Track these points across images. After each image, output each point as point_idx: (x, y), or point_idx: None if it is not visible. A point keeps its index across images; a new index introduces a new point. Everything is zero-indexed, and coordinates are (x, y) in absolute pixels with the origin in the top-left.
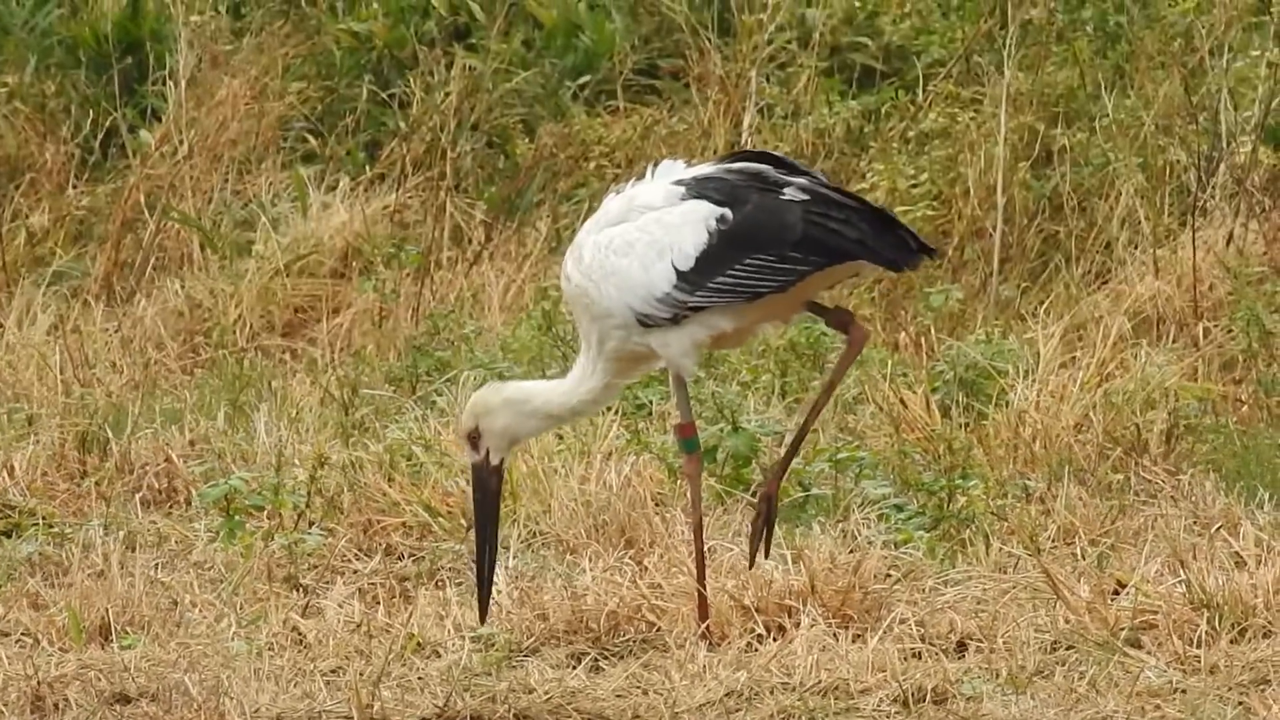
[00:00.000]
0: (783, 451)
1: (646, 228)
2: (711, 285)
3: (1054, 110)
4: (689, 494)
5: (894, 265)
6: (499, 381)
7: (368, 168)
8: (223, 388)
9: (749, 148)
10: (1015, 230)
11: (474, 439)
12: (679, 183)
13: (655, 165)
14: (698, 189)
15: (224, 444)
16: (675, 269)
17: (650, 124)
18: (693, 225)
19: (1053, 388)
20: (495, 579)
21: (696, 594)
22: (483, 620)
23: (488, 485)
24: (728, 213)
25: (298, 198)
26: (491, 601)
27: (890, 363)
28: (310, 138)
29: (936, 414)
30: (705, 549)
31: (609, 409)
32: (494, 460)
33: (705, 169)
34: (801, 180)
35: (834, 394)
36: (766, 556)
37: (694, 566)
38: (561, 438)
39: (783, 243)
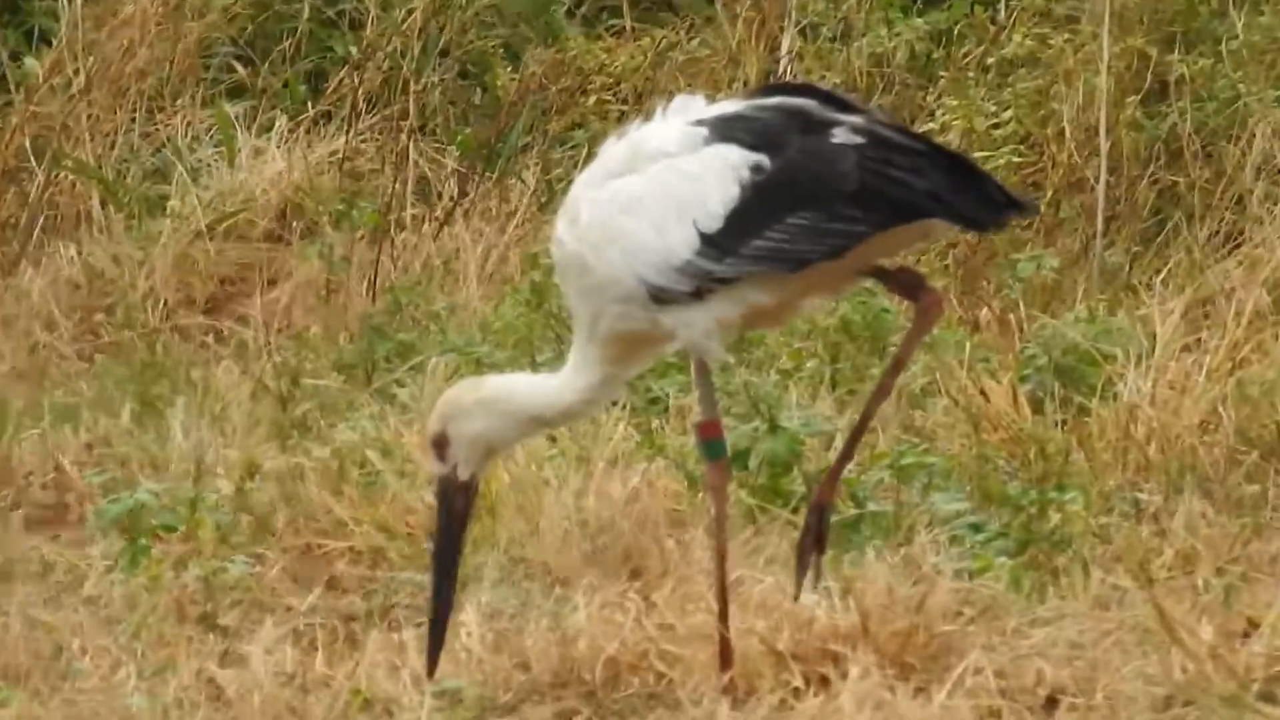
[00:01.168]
0: (835, 455)
1: (660, 180)
2: (745, 252)
3: (1169, 31)
4: (712, 510)
5: (976, 225)
6: (476, 377)
7: (310, 104)
8: (129, 378)
9: (786, 79)
10: (1123, 182)
11: (440, 446)
12: (698, 123)
13: (668, 102)
14: (723, 130)
15: (129, 448)
16: (698, 231)
17: (664, 49)
18: (718, 176)
19: (1172, 377)
20: (463, 618)
21: (718, 636)
22: (430, 673)
23: (453, 505)
24: (763, 160)
25: (223, 142)
26: (458, 648)
27: (968, 346)
28: (238, 67)
29: (1026, 409)
30: (730, 580)
31: (613, 403)
32: (462, 474)
33: (731, 106)
34: (854, 119)
35: (898, 379)
36: (816, 586)
37: (716, 602)
38: (554, 440)
39: (834, 197)
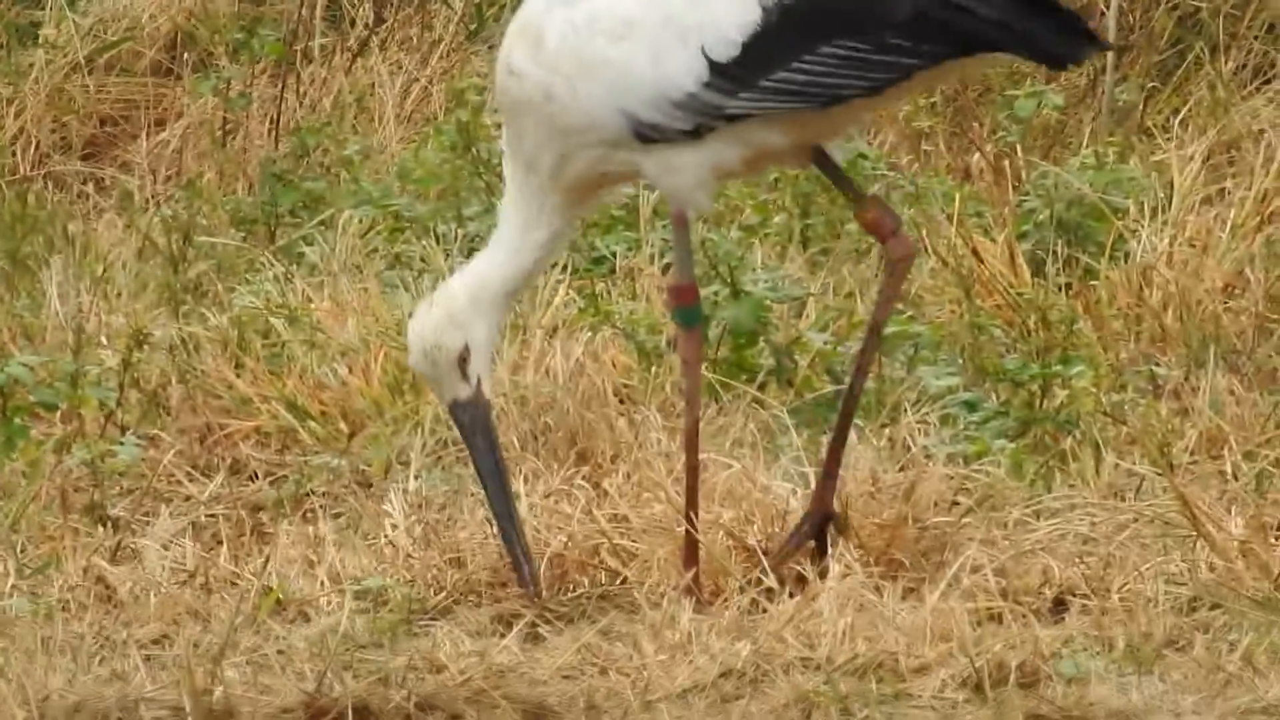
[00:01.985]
0: (826, 443)
1: (658, 0)
2: (766, 84)
3: None
4: (684, 386)
5: (1055, 59)
6: (439, 289)
7: None
8: None
9: None
10: (1138, 6)
11: (464, 363)
12: None
13: None
14: None
15: None
16: (707, 59)
17: None
18: None
19: (1192, 233)
20: (386, 508)
21: (685, 530)
22: (537, 593)
23: (488, 423)
24: None
25: None
26: (381, 541)
27: (958, 198)
28: None
29: (1025, 271)
30: (699, 464)
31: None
32: (486, 389)
33: None
34: None
35: (879, 344)
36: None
37: (682, 492)
38: None
39: (882, 24)
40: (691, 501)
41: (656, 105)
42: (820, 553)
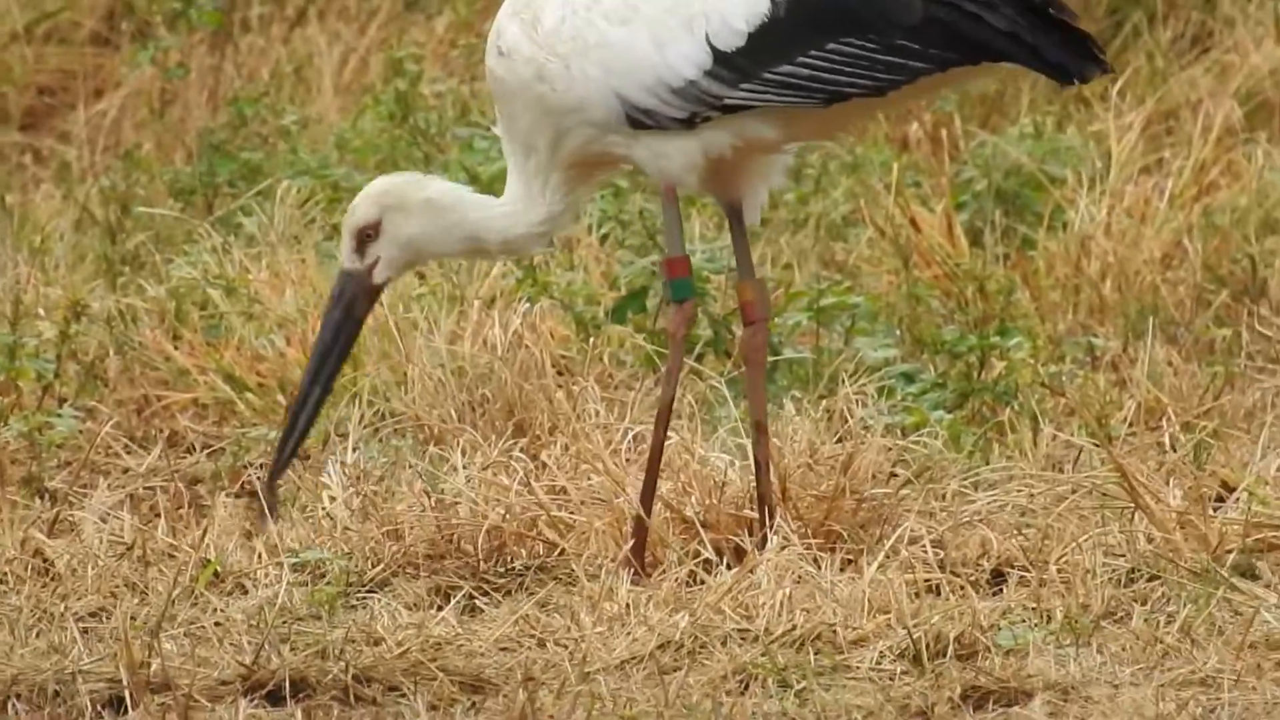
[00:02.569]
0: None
1: None
2: (769, 76)
3: None
4: (670, 358)
5: (1063, 74)
6: (416, 174)
7: None
8: None
9: None
10: None
11: (365, 238)
12: None
13: None
14: None
15: None
16: (711, 48)
17: None
18: None
19: (1130, 203)
20: (324, 479)
21: (634, 503)
22: (271, 514)
23: (354, 307)
24: None
25: None
26: (320, 514)
27: (895, 168)
28: None
29: (963, 242)
30: (664, 440)
31: None
32: (378, 276)
33: None
34: None
35: (767, 439)
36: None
37: (620, 463)
38: (423, 277)
39: (893, 25)
40: (652, 476)
41: (654, 91)
42: (760, 523)
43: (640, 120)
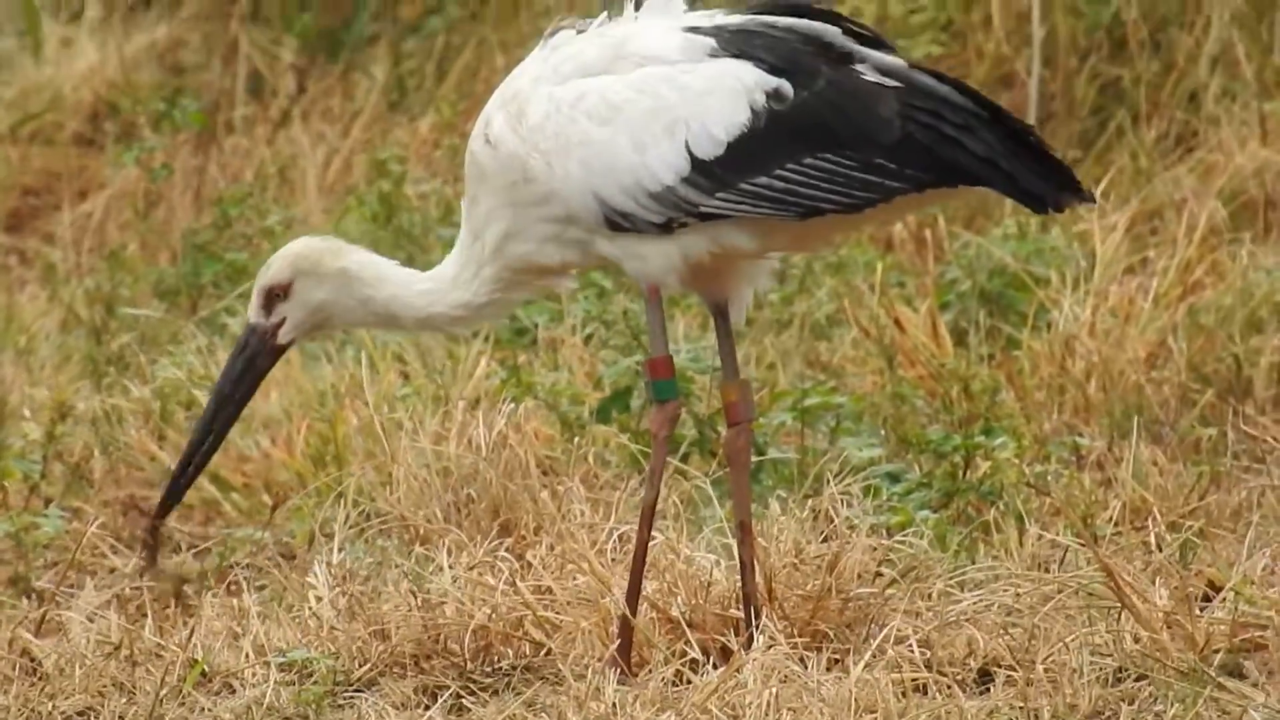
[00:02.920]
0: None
1: (649, 87)
2: (746, 187)
3: None
4: (652, 459)
5: (1037, 203)
6: (337, 240)
7: None
8: None
9: None
10: (1059, 76)
11: (273, 297)
12: (696, 30)
13: (636, 4)
14: (737, 44)
15: None
16: (690, 155)
17: None
18: (727, 96)
19: (1114, 303)
20: (310, 580)
21: (624, 604)
22: (154, 557)
23: (255, 363)
24: (785, 85)
25: (27, 32)
26: (306, 614)
27: (880, 267)
28: None
29: (948, 341)
30: (648, 540)
31: (474, 334)
32: (282, 337)
33: (729, 18)
34: (882, 56)
35: (751, 538)
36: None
37: (605, 564)
38: (408, 378)
39: (871, 143)
40: (637, 575)
41: (632, 194)
42: (746, 623)
43: (618, 223)
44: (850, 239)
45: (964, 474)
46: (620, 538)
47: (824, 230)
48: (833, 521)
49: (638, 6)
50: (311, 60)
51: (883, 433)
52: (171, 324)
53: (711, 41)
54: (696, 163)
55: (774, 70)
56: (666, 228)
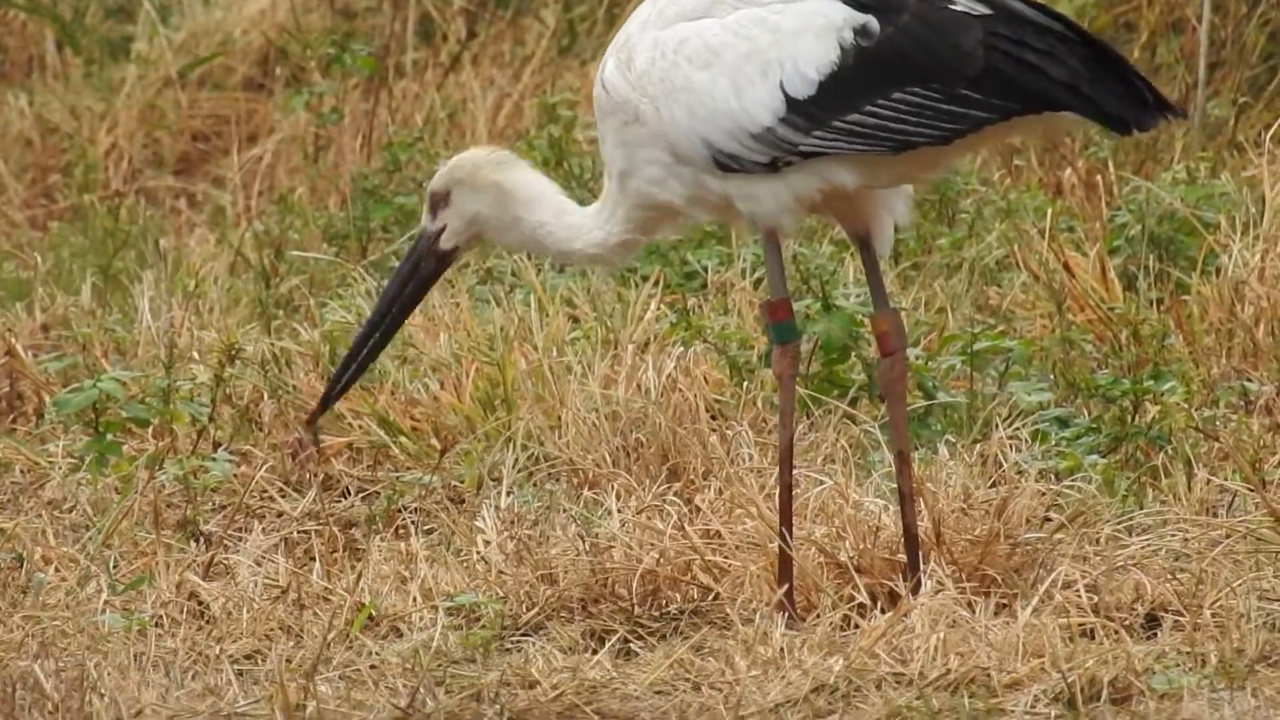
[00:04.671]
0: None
1: (744, 30)
2: (839, 124)
3: None
4: (780, 401)
5: (1120, 125)
6: (508, 154)
7: None
8: (89, 249)
9: None
10: (1229, 22)
11: (437, 203)
12: None
13: None
14: None
15: (91, 330)
16: (785, 95)
17: None
18: (818, 35)
19: None
20: (479, 524)
21: (778, 547)
22: (311, 422)
23: (421, 264)
24: (872, 22)
25: None
26: (474, 558)
27: (1050, 213)
28: None
29: (1117, 286)
30: (793, 481)
31: (642, 278)
32: (444, 244)
33: None
34: None
35: (910, 464)
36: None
37: (774, 508)
38: (577, 321)
39: (955, 75)
40: (785, 518)
41: (735, 136)
42: (908, 557)
43: (726, 164)
44: (947, 174)
45: (1132, 419)
46: (793, 482)
47: (923, 162)
48: (1001, 466)
49: None
50: (482, 4)
51: (1051, 377)
52: (340, 268)
53: None
54: (792, 102)
55: (861, 6)
56: (773, 167)
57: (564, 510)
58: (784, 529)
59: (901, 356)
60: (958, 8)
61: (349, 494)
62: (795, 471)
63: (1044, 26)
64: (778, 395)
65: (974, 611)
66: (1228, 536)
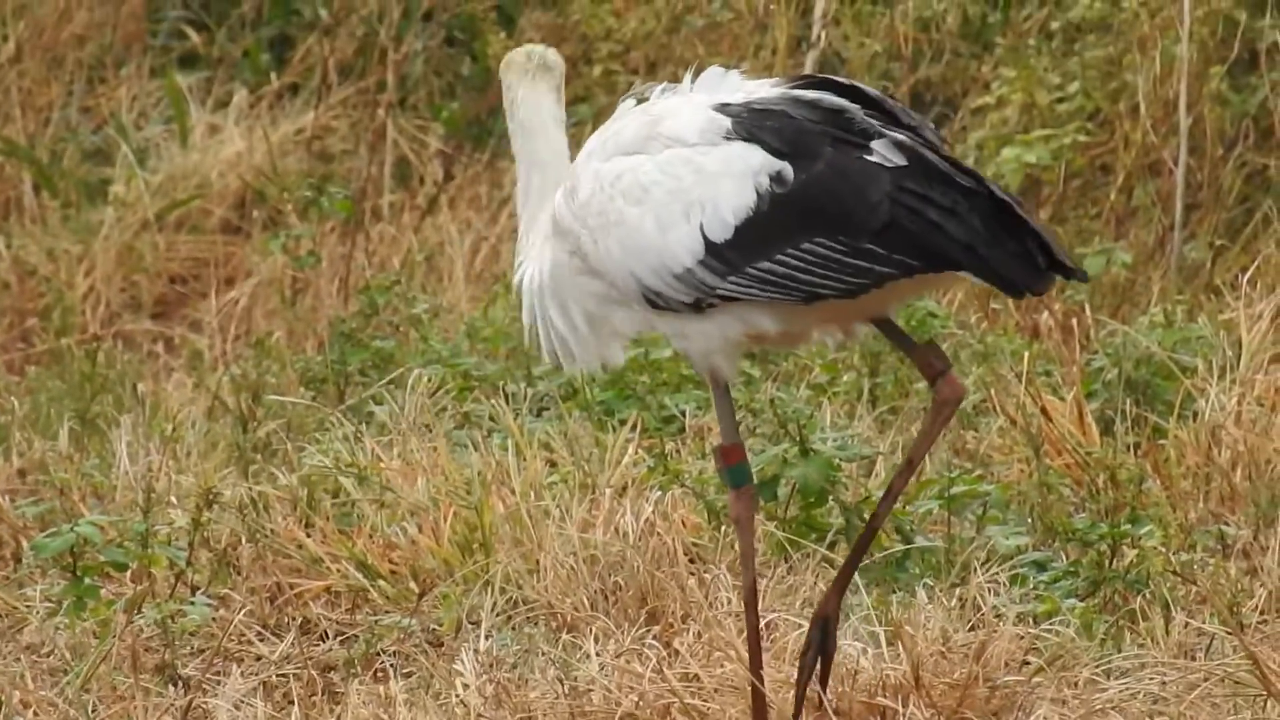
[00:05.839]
0: (846, 553)
1: (671, 169)
2: (753, 271)
3: None
4: (740, 545)
5: (1011, 287)
6: (555, 59)
7: (274, 75)
8: (66, 393)
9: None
10: (1205, 164)
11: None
12: (724, 109)
13: (696, 72)
14: (749, 125)
15: (68, 474)
16: (704, 238)
17: (681, 11)
18: (737, 179)
19: (1261, 392)
20: (457, 667)
21: (750, 689)
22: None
23: None
24: (787, 169)
25: (174, 118)
26: (453, 701)
27: (1027, 356)
28: (190, 32)
29: (1094, 430)
30: (761, 624)
31: (610, 413)
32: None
33: (766, 90)
34: (900, 135)
35: (916, 473)
36: (824, 686)
37: (746, 650)
38: (555, 465)
39: (858, 228)
40: (755, 661)
41: (659, 274)
42: (822, 657)
43: (654, 301)
44: (858, 329)
45: (1110, 562)
46: (768, 625)
47: (835, 314)
48: (980, 610)
49: (694, 78)
50: (458, 147)
51: (1029, 521)
52: (318, 412)
53: (728, 123)
54: (710, 245)
55: (778, 152)
56: (697, 307)
57: (543, 653)
58: (756, 672)
59: (952, 375)
60: (872, 158)
61: (327, 637)
62: (773, 615)
63: (952, 181)
64: (737, 540)
65: None
66: (1206, 680)
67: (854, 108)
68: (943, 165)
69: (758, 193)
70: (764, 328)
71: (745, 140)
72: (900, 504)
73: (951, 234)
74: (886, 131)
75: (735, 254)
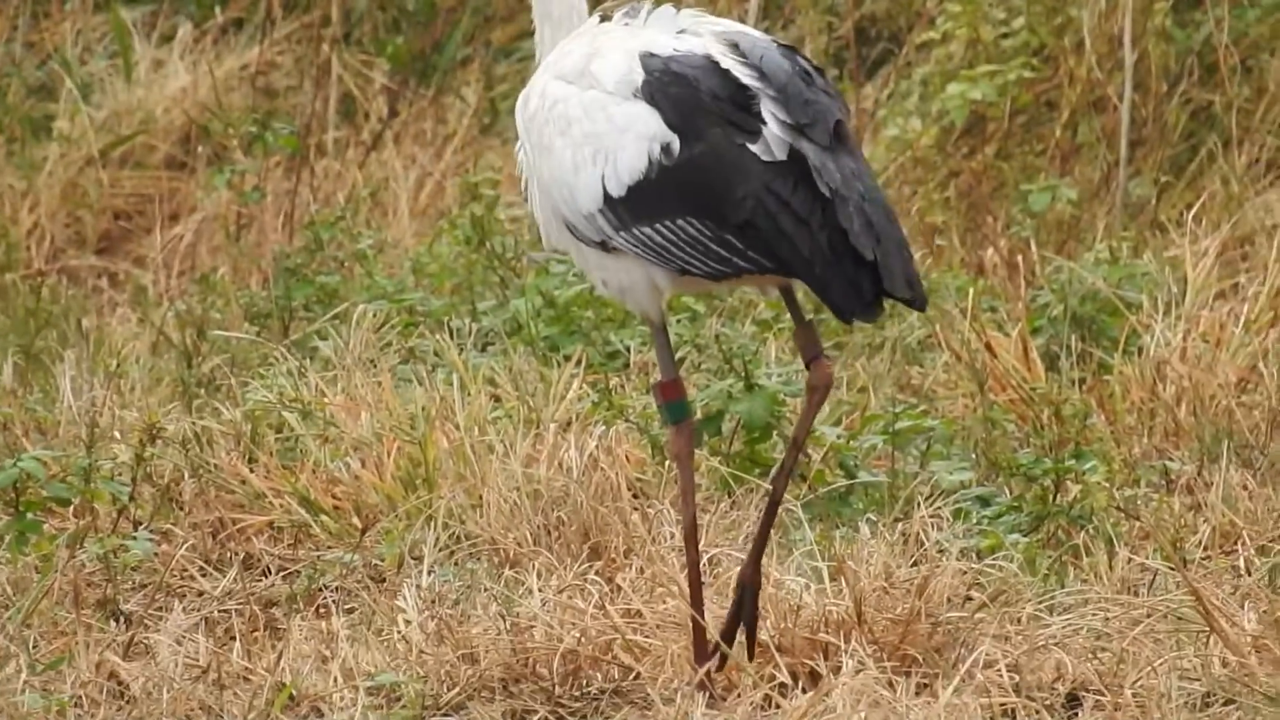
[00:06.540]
0: (756, 525)
1: (589, 111)
2: (637, 232)
3: None
4: (680, 480)
5: (837, 310)
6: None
7: (218, 9)
8: (10, 328)
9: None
10: (1150, 101)
11: None
12: (650, 59)
13: (658, 3)
14: (656, 88)
15: (12, 409)
16: (604, 189)
17: None
18: (636, 140)
19: (1205, 328)
20: (399, 603)
21: (692, 625)
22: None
23: None
24: (675, 142)
25: (118, 53)
26: (395, 637)
27: (972, 292)
28: None
29: (1039, 366)
30: (702, 560)
31: (554, 349)
32: None
33: (701, 43)
34: (785, 134)
35: (801, 452)
36: (750, 659)
37: (688, 586)
38: (499, 400)
39: (722, 219)
40: (696, 597)
41: (571, 210)
42: (747, 624)
43: (572, 230)
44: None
45: (1054, 498)
46: (710, 560)
47: (709, 288)
48: (923, 545)
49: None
50: (404, 83)
51: (973, 456)
52: (262, 347)
53: (640, 80)
54: (607, 197)
55: (670, 125)
56: (605, 248)
57: (485, 589)
58: (697, 608)
59: (823, 360)
60: (755, 147)
61: (269, 573)
62: (716, 550)
63: (821, 193)
64: (678, 476)
65: (895, 691)
66: (1149, 616)
67: (758, 87)
68: (827, 170)
69: (649, 159)
70: (659, 282)
71: (649, 104)
72: (844, 439)
73: (798, 246)
74: (784, 118)
75: (625, 212)
